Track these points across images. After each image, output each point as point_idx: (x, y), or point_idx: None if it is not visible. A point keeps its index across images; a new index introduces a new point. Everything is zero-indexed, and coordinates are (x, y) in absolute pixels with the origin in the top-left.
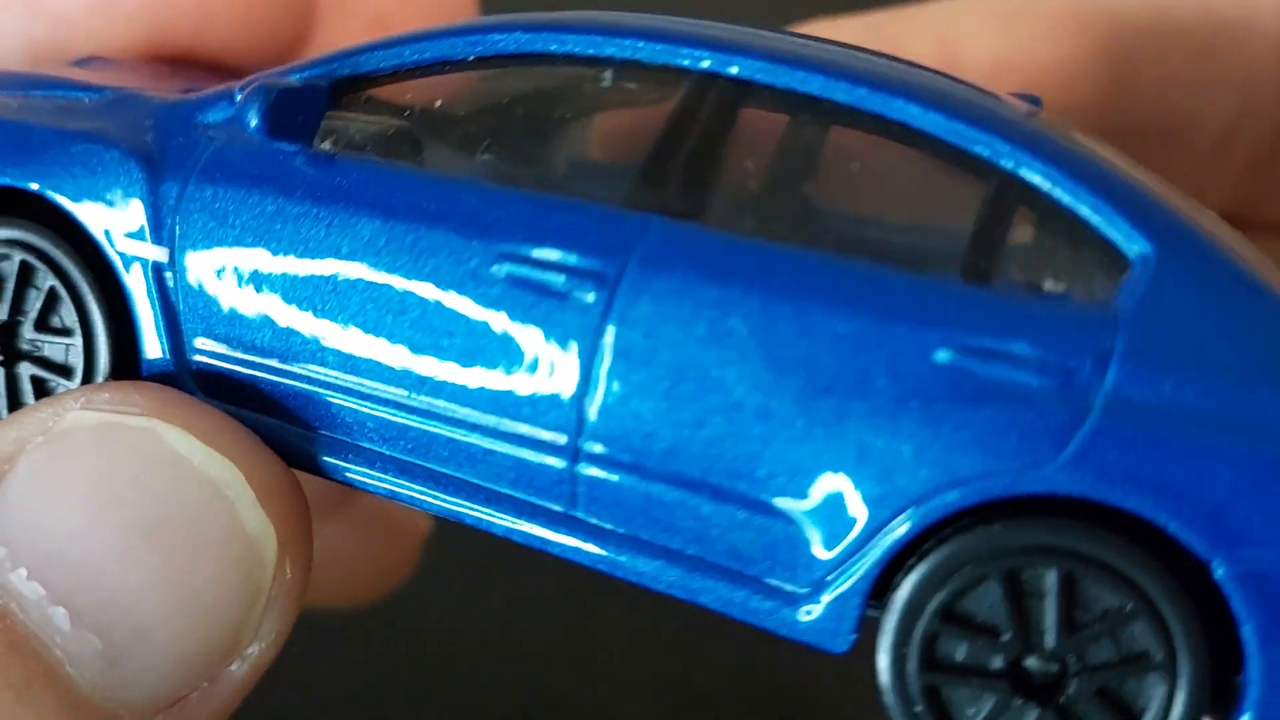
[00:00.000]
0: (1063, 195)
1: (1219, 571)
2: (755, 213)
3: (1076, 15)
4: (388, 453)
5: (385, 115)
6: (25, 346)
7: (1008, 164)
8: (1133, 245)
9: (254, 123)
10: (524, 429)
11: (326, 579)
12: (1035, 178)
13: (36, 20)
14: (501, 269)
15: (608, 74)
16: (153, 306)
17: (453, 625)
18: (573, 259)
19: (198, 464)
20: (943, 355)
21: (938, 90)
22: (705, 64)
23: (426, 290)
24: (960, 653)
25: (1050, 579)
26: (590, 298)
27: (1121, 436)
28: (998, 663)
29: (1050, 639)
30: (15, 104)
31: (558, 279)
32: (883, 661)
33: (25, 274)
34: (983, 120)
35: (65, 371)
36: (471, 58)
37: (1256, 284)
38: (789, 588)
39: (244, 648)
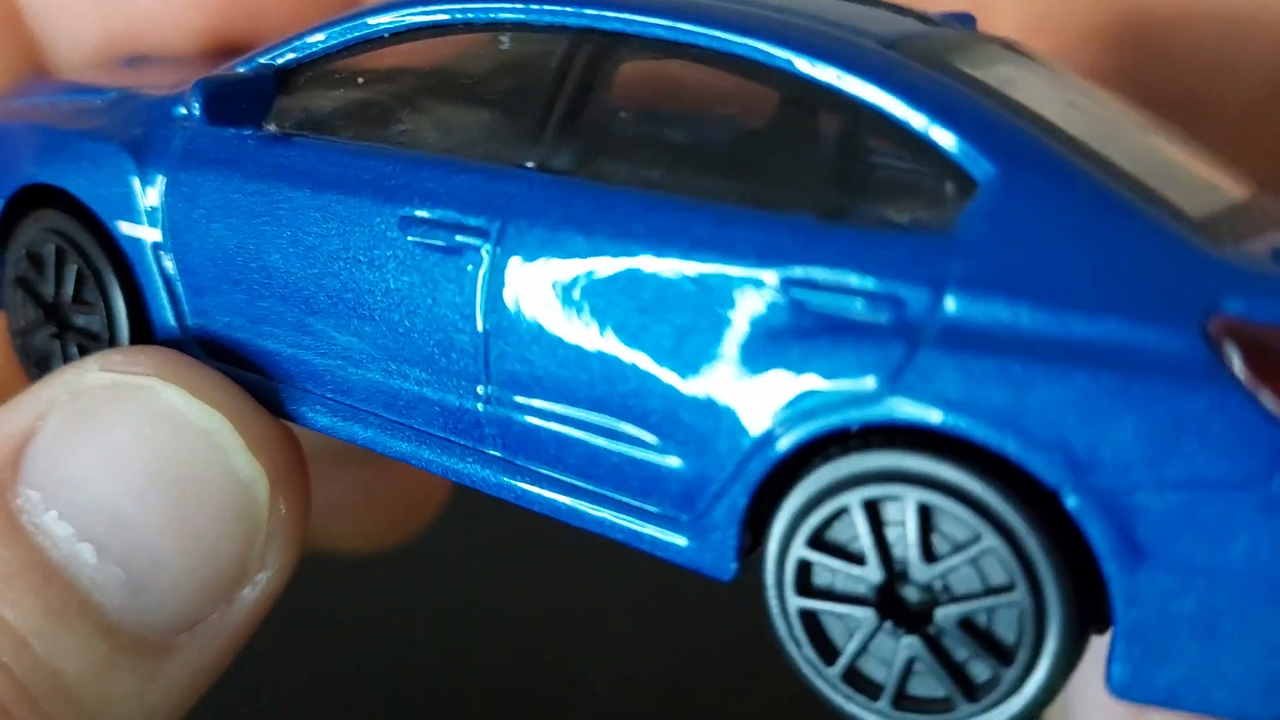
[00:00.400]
0: (911, 123)
1: (1069, 499)
2: (625, 162)
3: None
4: (345, 402)
5: (322, 94)
6: (70, 319)
7: (855, 94)
8: (979, 168)
9: (196, 113)
10: (443, 377)
11: (344, 522)
12: (885, 106)
13: (111, 16)
14: (405, 230)
15: (505, 38)
16: (158, 281)
17: (452, 620)
18: (461, 217)
19: (191, 417)
20: (788, 291)
21: (790, 26)
22: (578, 21)
23: (350, 253)
24: (831, 581)
25: (907, 508)
26: (477, 252)
27: (956, 364)
28: (866, 591)
29: (914, 568)
30: (45, 110)
31: (450, 237)
32: (766, 589)
33: (61, 258)
34: (832, 52)
35: (98, 340)
36: (388, 34)
37: (1112, 201)
38: (672, 517)
39: (252, 575)
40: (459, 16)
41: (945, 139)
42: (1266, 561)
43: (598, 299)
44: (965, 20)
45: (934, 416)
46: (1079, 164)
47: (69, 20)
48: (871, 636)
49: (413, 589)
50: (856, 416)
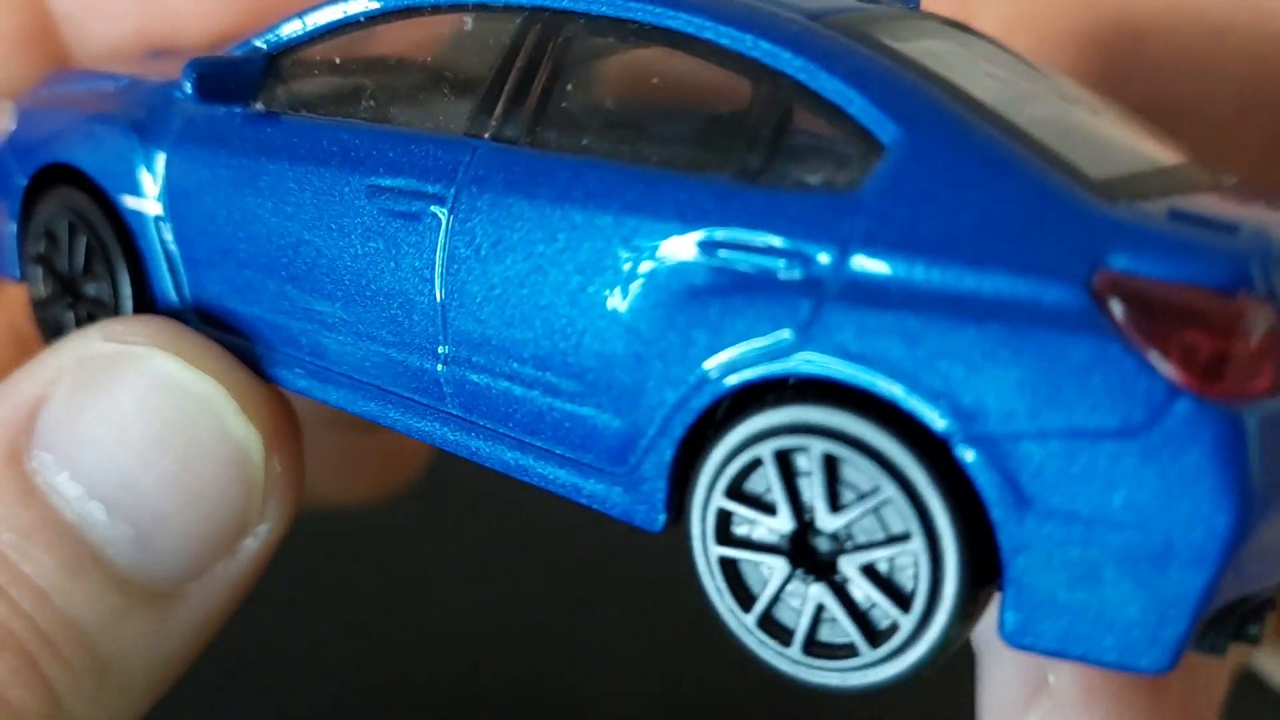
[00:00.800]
0: (824, 88)
1: (957, 449)
2: (567, 131)
3: None
4: (320, 365)
5: (305, 74)
6: (82, 289)
7: (772, 62)
8: (885, 131)
9: (189, 91)
10: (406, 338)
11: (331, 479)
12: (800, 75)
13: (152, 13)
14: (371, 199)
15: (469, 18)
16: (158, 252)
17: (451, 619)
18: (420, 184)
19: (187, 383)
20: (706, 250)
21: (717, 1)
22: (530, 1)
23: (323, 222)
24: (747, 529)
25: (813, 459)
26: (434, 218)
27: (855, 319)
28: (778, 540)
29: (821, 518)
30: (66, 96)
31: (411, 203)
32: (691, 539)
33: (74, 232)
34: (750, 22)
35: (107, 308)
36: (364, 18)
37: (1008, 162)
38: (608, 471)
39: (253, 528)
40: (426, 1)
41: (855, 105)
42: (1145, 510)
43: (540, 260)
44: (909, 1)
45: (835, 369)
46: (981, 128)
47: (103, 24)
48: (784, 584)
49: (413, 591)
50: (769, 371)
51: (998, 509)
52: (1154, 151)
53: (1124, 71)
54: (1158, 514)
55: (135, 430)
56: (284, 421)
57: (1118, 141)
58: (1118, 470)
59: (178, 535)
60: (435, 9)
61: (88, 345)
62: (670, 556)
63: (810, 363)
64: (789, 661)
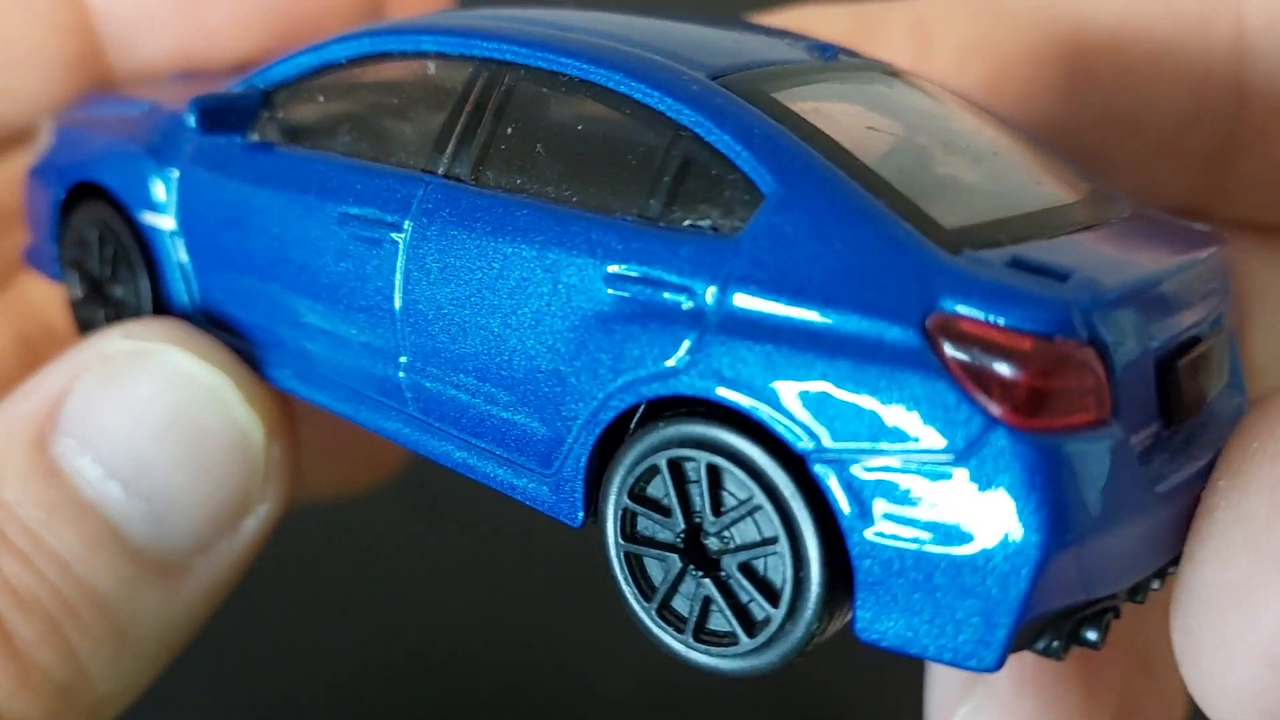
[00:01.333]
0: (717, 142)
1: (813, 466)
2: (503, 170)
3: (1041, 8)
4: (307, 368)
5: (294, 109)
6: (110, 293)
7: (675, 116)
8: (765, 182)
9: (192, 124)
10: (374, 348)
11: (318, 472)
12: (698, 129)
13: (191, 33)
14: (342, 225)
15: (431, 65)
16: (173, 262)
17: (448, 620)
18: (381, 214)
19: (197, 375)
20: (611, 283)
21: (633, 58)
22: (479, 52)
23: (305, 243)
24: (650, 529)
25: (701, 469)
26: (393, 244)
27: (730, 349)
28: (673, 539)
29: (707, 521)
30: (98, 118)
31: (374, 230)
32: (605, 535)
33: (103, 241)
34: (658, 80)
35: (130, 310)
36: (344, 60)
37: (865, 212)
38: (537, 471)
39: (253, 507)
40: (396, 48)
41: (742, 158)
42: (969, 528)
43: (479, 285)
44: (826, 50)
45: (714, 392)
46: (844, 183)
47: (147, 44)
48: (679, 578)
49: (414, 598)
50: (662, 391)
51: (845, 519)
52: (1038, 193)
53: (1074, 88)
54: (979, 532)
55: (150, 417)
56: (282, 412)
57: (1000, 186)
58: (945, 492)
59: (187, 512)
60: (403, 55)
61: (109, 343)
62: None
63: (694, 386)
64: (682, 645)
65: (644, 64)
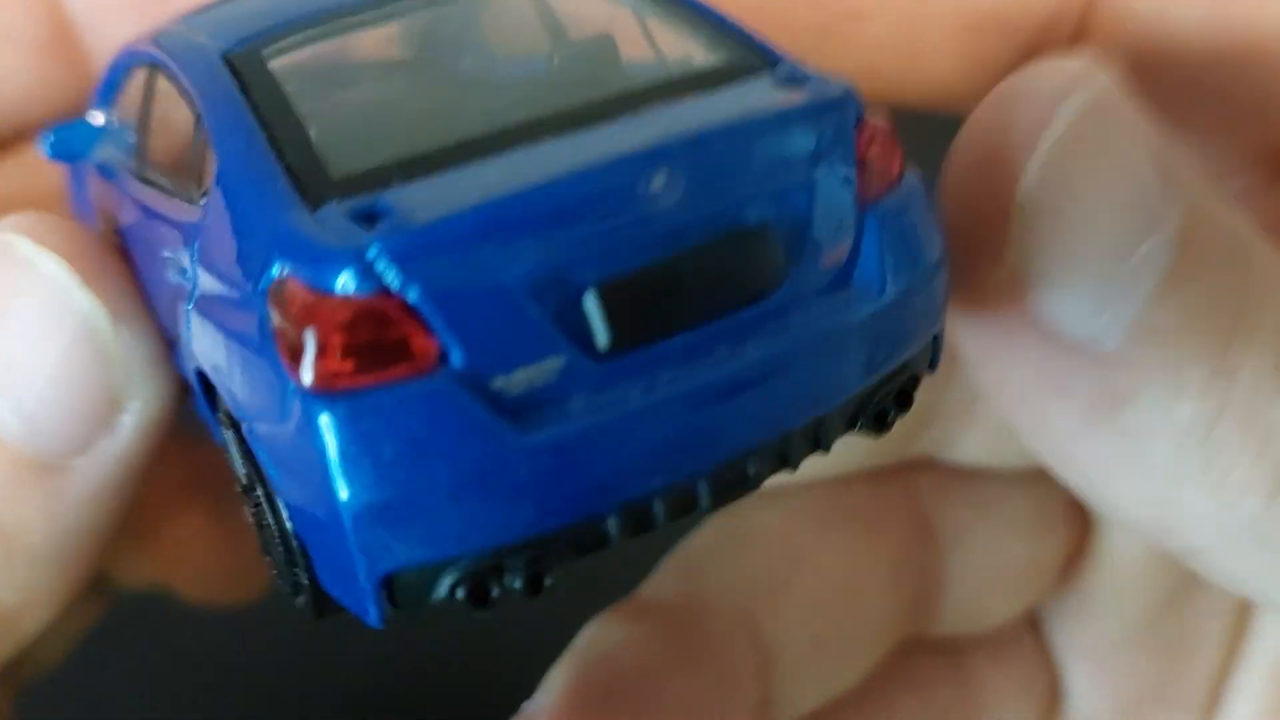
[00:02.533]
0: (206, 120)
1: (244, 431)
2: (152, 166)
3: None
4: None
5: None
6: None
7: (190, 97)
8: (216, 157)
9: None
10: None
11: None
12: (199, 107)
13: (160, 14)
14: None
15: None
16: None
17: (457, 629)
18: None
19: (38, 264)
20: (170, 265)
21: (177, 38)
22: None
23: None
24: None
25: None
26: None
27: (188, 320)
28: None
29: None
30: None
31: None
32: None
33: None
34: (183, 61)
35: None
36: None
37: (256, 178)
38: None
39: (124, 404)
40: None
41: (212, 138)
42: (307, 488)
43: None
44: None
45: (198, 364)
46: (255, 148)
47: (119, 26)
48: (259, 520)
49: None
50: (187, 363)
51: (275, 484)
52: (538, 105)
53: None
54: (314, 491)
55: (9, 316)
56: (122, 293)
57: (476, 108)
58: (289, 454)
59: (56, 410)
60: None
61: None
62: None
63: (192, 358)
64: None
65: (183, 43)
